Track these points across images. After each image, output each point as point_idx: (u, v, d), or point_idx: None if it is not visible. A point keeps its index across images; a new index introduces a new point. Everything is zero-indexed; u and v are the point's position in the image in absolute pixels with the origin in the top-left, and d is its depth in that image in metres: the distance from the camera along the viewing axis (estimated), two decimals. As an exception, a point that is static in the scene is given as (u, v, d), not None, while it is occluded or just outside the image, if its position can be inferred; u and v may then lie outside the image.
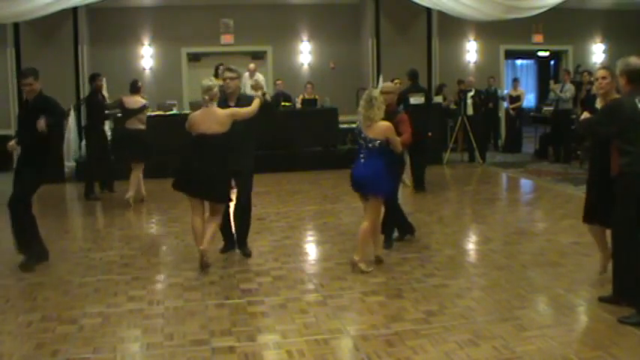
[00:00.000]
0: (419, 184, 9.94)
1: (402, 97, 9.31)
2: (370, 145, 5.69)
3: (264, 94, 6.32)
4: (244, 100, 6.15)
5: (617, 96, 4.91)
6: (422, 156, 9.88)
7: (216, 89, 5.88)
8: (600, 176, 4.96)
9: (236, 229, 6.43)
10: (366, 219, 5.77)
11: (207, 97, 5.82)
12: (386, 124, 5.71)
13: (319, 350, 4.05)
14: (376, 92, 5.85)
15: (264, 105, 6.16)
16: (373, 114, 5.65)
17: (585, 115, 5.12)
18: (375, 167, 5.66)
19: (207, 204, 6.00)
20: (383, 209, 6.15)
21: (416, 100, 9.88)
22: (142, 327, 4.50)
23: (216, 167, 5.77)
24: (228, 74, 6.19)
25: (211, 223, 5.92)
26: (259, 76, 12.73)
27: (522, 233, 7.28)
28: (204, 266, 5.85)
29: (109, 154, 10.24)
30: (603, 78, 4.90)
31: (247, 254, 6.33)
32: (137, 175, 9.46)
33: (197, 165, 5.78)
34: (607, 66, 5.17)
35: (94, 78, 10.17)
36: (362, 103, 5.76)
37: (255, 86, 6.34)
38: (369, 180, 5.67)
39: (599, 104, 5.14)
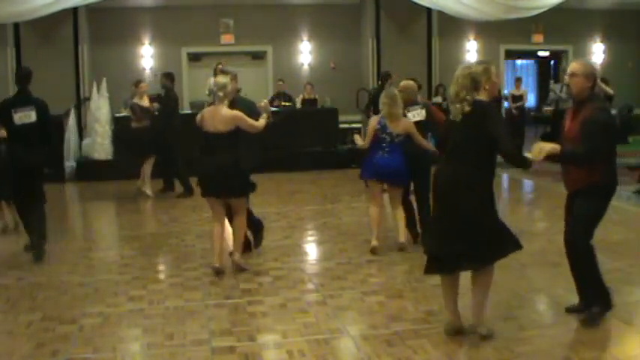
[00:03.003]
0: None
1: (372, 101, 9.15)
2: (396, 139, 6.21)
3: (268, 118, 5.93)
4: (241, 104, 5.90)
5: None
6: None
7: (230, 87, 5.66)
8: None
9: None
10: (395, 207, 6.45)
11: (221, 95, 5.56)
12: (408, 120, 6.29)
13: (319, 350, 4.05)
14: (395, 90, 6.38)
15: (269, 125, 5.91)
16: (397, 111, 6.19)
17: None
18: (399, 160, 6.23)
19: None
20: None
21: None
22: (142, 327, 4.50)
23: (226, 161, 5.53)
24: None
25: (236, 226, 5.79)
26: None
27: (522, 233, 7.21)
28: (218, 273, 5.67)
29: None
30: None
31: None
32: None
33: (207, 161, 5.63)
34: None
35: (172, 77, 10.29)
36: (385, 100, 6.21)
37: (265, 109, 5.98)
38: (394, 171, 6.25)
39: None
